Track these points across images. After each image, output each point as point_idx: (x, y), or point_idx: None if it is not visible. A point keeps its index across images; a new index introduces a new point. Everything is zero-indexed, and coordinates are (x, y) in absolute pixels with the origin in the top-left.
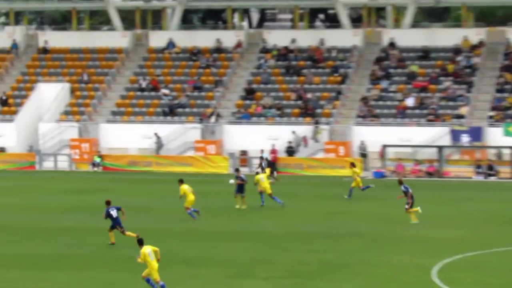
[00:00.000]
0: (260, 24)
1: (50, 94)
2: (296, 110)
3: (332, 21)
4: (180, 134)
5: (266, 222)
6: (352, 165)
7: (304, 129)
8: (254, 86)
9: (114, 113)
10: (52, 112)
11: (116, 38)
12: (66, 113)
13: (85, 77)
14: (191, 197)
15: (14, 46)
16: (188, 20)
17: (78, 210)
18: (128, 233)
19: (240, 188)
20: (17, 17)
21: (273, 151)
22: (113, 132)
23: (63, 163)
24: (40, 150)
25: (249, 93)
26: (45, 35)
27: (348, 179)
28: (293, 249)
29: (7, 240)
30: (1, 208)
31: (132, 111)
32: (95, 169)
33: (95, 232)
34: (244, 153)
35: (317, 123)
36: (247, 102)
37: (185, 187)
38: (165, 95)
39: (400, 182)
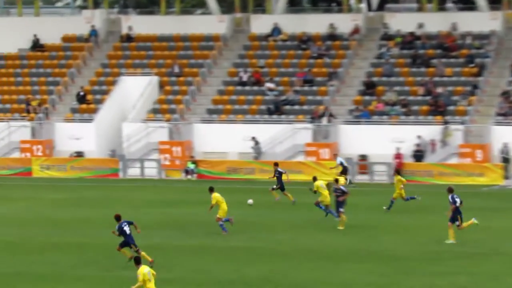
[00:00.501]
0: (381, 6)
1: (135, 89)
2: (425, 107)
3: (466, 3)
4: (288, 136)
5: (388, 239)
6: (397, 172)
7: (434, 130)
8: (375, 79)
9: (210, 112)
10: (138, 111)
11: (212, 23)
12: (154, 111)
13: (176, 69)
14: (224, 206)
15: (93, 33)
16: (296, 2)
17: (168, 226)
18: (143, 253)
19: (341, 204)
20: None
21: (398, 156)
22: (209, 133)
23: (151, 170)
24: (124, 155)
25: (369, 88)
26: (129, 20)
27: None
28: (421, 271)
29: (87, 259)
30: (80, 222)
31: (231, 108)
32: (189, 177)
33: (187, 251)
34: (363, 158)
35: (446, 123)
36: (367, 98)
37: (217, 196)
38: (270, 90)
39: (450, 190)
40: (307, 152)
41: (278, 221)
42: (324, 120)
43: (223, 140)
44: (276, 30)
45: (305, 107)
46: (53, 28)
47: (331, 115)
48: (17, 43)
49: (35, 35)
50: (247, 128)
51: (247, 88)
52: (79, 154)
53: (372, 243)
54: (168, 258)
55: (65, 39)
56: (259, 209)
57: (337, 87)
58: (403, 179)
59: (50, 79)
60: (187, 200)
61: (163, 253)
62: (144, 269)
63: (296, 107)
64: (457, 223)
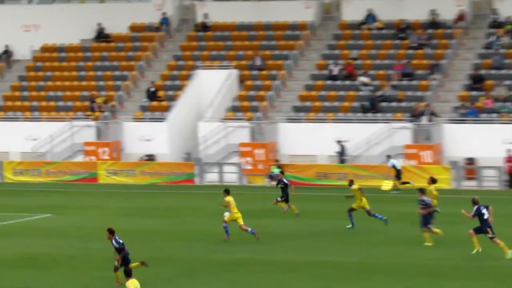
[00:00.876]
0: None
1: (212, 84)
2: None
3: None
4: (384, 137)
5: (500, 254)
6: (432, 181)
7: None
8: (483, 72)
9: (296, 109)
10: (215, 108)
11: (298, 9)
12: (234, 109)
13: (258, 62)
14: (235, 212)
15: (165, 21)
16: None
17: (251, 238)
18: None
19: (427, 218)
20: None
21: (510, 159)
22: (296, 134)
23: (230, 176)
24: (200, 158)
25: (476, 82)
26: (205, 7)
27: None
28: None
29: (161, 276)
30: (151, 234)
31: (320, 106)
32: (273, 183)
33: (271, 266)
34: (470, 161)
35: None
36: (474, 93)
37: (232, 200)
38: (364, 84)
39: (475, 202)
40: (406, 154)
41: (373, 232)
42: (425, 119)
43: (312, 142)
44: (370, 17)
45: (403, 104)
46: (119, 16)
47: (433, 113)
48: (80, 33)
49: (99, 24)
50: (338, 127)
51: (338, 82)
52: (150, 158)
53: (481, 258)
54: (252, 274)
55: (133, 28)
56: (354, 220)
57: (440, 81)
58: (433, 191)
59: (117, 73)
60: (271, 210)
61: (246, 269)
62: (133, 284)
63: (394, 104)
64: (489, 235)
